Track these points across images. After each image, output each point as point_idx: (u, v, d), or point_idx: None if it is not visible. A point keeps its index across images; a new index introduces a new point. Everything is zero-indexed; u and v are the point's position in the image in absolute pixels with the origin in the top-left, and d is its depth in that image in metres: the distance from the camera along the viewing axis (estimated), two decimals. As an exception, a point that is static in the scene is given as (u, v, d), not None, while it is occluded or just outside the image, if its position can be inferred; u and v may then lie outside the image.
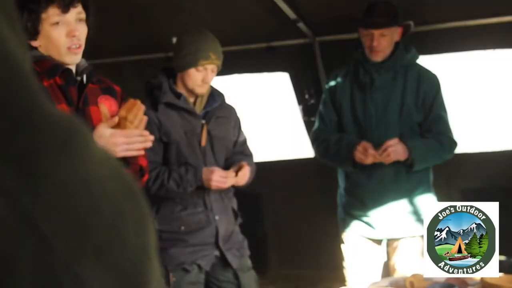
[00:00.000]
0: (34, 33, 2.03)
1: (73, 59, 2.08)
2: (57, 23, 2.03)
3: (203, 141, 2.85)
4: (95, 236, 0.40)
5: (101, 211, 0.41)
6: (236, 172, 2.79)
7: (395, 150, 2.98)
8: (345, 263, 3.29)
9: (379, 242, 3.22)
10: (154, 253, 0.45)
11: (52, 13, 2.01)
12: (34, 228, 0.38)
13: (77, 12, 2.06)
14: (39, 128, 0.40)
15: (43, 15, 2.01)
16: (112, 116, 2.15)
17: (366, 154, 2.99)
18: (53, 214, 0.38)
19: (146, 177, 2.36)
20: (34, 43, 2.05)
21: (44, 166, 0.39)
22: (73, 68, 2.13)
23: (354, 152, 3.02)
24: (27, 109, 0.39)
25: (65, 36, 2.04)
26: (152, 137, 2.13)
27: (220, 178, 2.74)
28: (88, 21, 2.11)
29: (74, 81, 2.12)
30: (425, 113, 3.14)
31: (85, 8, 2.10)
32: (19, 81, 0.40)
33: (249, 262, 2.97)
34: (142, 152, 2.16)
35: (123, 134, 2.04)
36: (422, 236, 3.05)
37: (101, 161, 0.43)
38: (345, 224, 3.26)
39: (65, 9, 2.02)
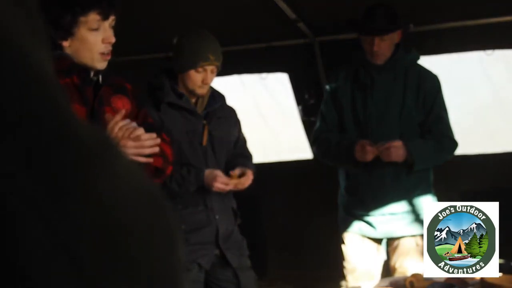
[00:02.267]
0: (67, 34, 2.04)
1: (103, 65, 2.13)
2: (96, 29, 2.05)
3: (205, 141, 2.86)
4: (126, 254, 0.39)
5: (132, 228, 0.40)
6: (239, 176, 2.79)
7: (397, 151, 2.99)
8: (345, 263, 3.29)
9: (379, 241, 3.22)
10: (183, 268, 0.44)
11: (92, 18, 2.04)
12: (65, 246, 0.37)
13: (112, 19, 2.09)
14: (71, 144, 0.39)
15: (82, 19, 2.03)
16: (126, 114, 2.15)
17: (364, 151, 2.99)
18: (84, 231, 0.38)
19: (165, 176, 2.38)
20: (64, 43, 2.06)
21: (75, 183, 0.38)
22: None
23: (355, 152, 3.03)
24: (59, 125, 0.39)
25: (101, 42, 2.07)
26: (158, 141, 2.13)
27: (221, 185, 2.74)
28: None
29: (90, 81, 2.14)
30: (425, 114, 3.14)
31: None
32: (51, 96, 0.40)
33: (248, 262, 2.98)
34: (151, 160, 2.15)
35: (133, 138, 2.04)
36: (422, 236, 3.07)
37: (131, 176, 0.42)
38: (345, 224, 3.26)
39: (105, 16, 2.06)
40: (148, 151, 2.10)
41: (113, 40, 2.09)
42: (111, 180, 0.40)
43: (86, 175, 0.39)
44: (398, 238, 3.17)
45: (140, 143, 2.05)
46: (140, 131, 2.06)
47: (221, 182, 2.74)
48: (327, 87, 3.34)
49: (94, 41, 2.06)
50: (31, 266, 0.36)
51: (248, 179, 2.80)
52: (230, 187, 2.77)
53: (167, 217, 0.44)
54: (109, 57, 2.12)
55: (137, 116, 2.30)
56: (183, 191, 2.76)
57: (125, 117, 2.09)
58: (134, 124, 2.09)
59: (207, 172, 2.77)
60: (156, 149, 2.13)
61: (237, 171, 2.80)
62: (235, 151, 2.99)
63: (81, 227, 0.38)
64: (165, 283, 0.42)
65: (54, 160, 0.38)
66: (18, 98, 0.38)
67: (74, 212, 0.38)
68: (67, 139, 0.39)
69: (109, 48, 2.10)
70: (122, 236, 0.39)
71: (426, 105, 3.13)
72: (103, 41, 2.07)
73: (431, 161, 3.14)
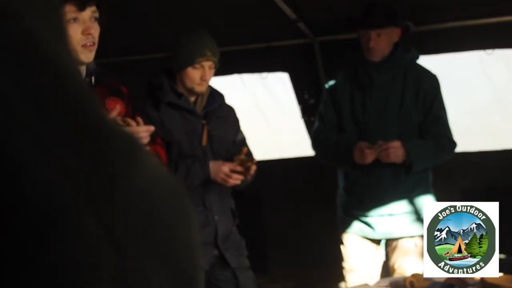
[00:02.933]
0: None
1: (88, 57, 2.08)
2: (73, 20, 2.03)
3: (204, 141, 2.86)
4: (158, 237, 0.45)
5: (161, 216, 0.46)
6: (245, 165, 2.78)
7: (396, 152, 2.99)
8: (344, 263, 3.29)
9: (378, 242, 3.22)
10: (200, 247, 0.51)
11: (68, 10, 2.02)
12: (111, 233, 0.41)
13: (92, 11, 2.06)
14: (109, 140, 0.44)
15: None
16: (119, 117, 2.16)
17: (363, 154, 3.00)
18: (125, 220, 0.43)
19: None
20: None
21: (118, 177, 0.43)
22: (83, 69, 2.13)
23: (353, 155, 3.04)
24: (99, 124, 0.44)
25: (80, 34, 2.04)
26: (152, 128, 2.18)
27: (225, 177, 2.76)
28: (100, 20, 2.12)
29: None
30: (424, 114, 3.14)
31: (98, 7, 2.11)
32: (88, 97, 0.45)
33: (247, 262, 2.98)
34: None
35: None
36: (421, 236, 3.08)
37: (155, 169, 0.48)
38: (344, 224, 3.26)
39: (81, 6, 2.03)
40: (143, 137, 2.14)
41: (92, 30, 2.05)
42: (145, 174, 0.46)
43: (127, 170, 0.44)
44: (397, 239, 3.17)
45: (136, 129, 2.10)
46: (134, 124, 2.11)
47: (226, 174, 2.76)
48: (326, 86, 3.35)
49: (73, 34, 2.02)
50: (81, 252, 0.40)
51: (252, 165, 2.79)
52: (235, 181, 2.78)
53: (188, 209, 0.50)
54: (93, 48, 2.07)
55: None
56: (188, 183, 2.77)
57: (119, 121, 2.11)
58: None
59: (212, 164, 2.79)
60: (146, 136, 2.18)
61: (241, 156, 2.80)
62: (234, 149, 2.98)
63: (123, 215, 0.42)
64: (189, 262, 0.48)
65: (101, 156, 0.43)
66: (60, 97, 0.42)
67: (118, 202, 0.42)
68: (110, 138, 0.44)
69: (92, 39, 2.06)
70: (154, 222, 0.45)
71: (425, 105, 3.14)
72: (83, 32, 2.04)
73: (430, 162, 3.14)
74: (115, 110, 2.20)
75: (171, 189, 0.49)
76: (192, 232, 0.49)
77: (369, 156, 2.99)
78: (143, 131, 2.15)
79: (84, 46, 2.06)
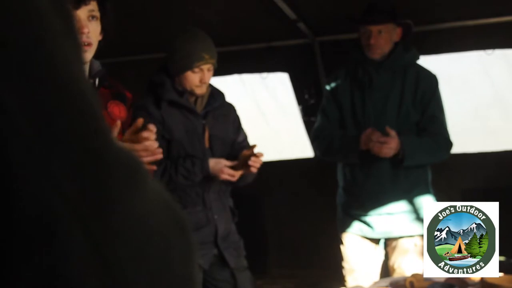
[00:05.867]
0: None
1: (85, 56, 2.05)
2: None
3: (206, 142, 2.87)
4: (149, 265, 0.44)
5: (156, 242, 0.45)
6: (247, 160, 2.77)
7: (390, 147, 2.98)
8: (344, 263, 3.29)
9: (377, 241, 3.22)
10: (197, 281, 0.50)
11: None
12: (99, 253, 0.41)
13: (88, 10, 2.02)
14: (109, 163, 0.44)
15: None
16: (121, 122, 2.14)
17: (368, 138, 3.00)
18: (116, 242, 0.42)
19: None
20: None
21: (112, 199, 0.43)
22: (85, 68, 2.11)
23: (361, 137, 3.02)
24: (101, 146, 0.44)
25: None
26: (161, 156, 2.11)
27: (228, 176, 2.76)
28: (103, 20, 2.07)
29: None
30: (421, 113, 3.14)
31: (101, 7, 2.06)
32: (94, 116, 0.44)
33: (245, 262, 2.98)
34: (154, 167, 2.14)
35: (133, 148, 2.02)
36: (420, 236, 3.08)
37: (156, 195, 0.47)
38: (343, 224, 3.26)
39: (75, 5, 1.98)
40: (150, 159, 2.08)
41: (86, 29, 1.99)
42: (144, 200, 0.45)
43: (122, 192, 0.44)
44: (396, 239, 3.17)
45: (147, 146, 2.04)
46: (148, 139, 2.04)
47: (228, 173, 2.77)
48: (327, 84, 3.34)
49: None
50: (67, 265, 0.40)
51: (258, 158, 2.78)
52: (236, 178, 2.79)
53: (186, 234, 0.49)
54: (87, 48, 2.02)
55: (131, 126, 2.28)
56: (189, 183, 2.77)
57: (120, 126, 2.07)
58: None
59: (213, 162, 2.78)
60: (160, 156, 2.11)
61: (247, 152, 2.79)
62: (235, 149, 2.98)
63: (114, 237, 0.42)
64: None
65: (97, 176, 0.42)
66: (65, 116, 0.42)
67: (110, 223, 0.42)
68: (108, 158, 0.44)
69: (85, 39, 2.00)
70: (146, 248, 0.44)
71: (422, 104, 3.14)
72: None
73: (423, 159, 3.12)
74: (118, 116, 2.17)
75: (171, 218, 0.48)
76: (189, 262, 0.48)
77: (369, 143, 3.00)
78: (153, 147, 2.07)
79: None
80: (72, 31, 0.47)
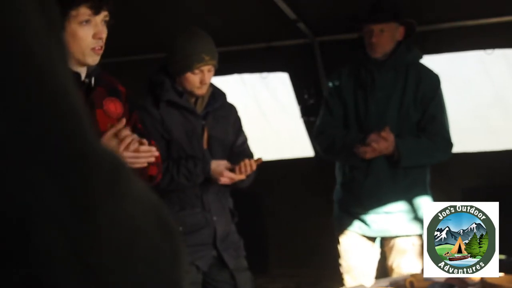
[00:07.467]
0: None
1: (95, 60, 2.08)
2: (86, 22, 2.01)
3: (205, 144, 2.86)
4: (134, 270, 0.43)
5: (141, 246, 0.44)
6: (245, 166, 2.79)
7: (386, 146, 3.00)
8: (341, 261, 3.29)
9: (373, 239, 3.22)
10: (185, 285, 0.48)
11: (83, 12, 1.99)
12: (81, 258, 0.40)
13: (104, 15, 2.06)
14: (91, 166, 0.42)
15: (73, 13, 1.99)
16: (118, 118, 2.15)
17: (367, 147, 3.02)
18: (98, 246, 0.41)
19: (156, 182, 2.40)
20: None
21: (94, 202, 0.42)
22: (83, 70, 2.12)
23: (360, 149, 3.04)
24: (82, 148, 0.42)
25: (91, 37, 2.03)
26: (157, 153, 2.15)
27: (227, 179, 2.77)
28: (108, 22, 2.11)
29: (81, 84, 2.12)
30: (422, 113, 3.14)
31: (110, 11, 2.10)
32: (75, 117, 0.43)
33: (245, 263, 2.98)
34: (145, 164, 2.17)
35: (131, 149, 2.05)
36: (418, 236, 3.08)
37: (141, 198, 0.46)
38: (340, 221, 3.26)
39: (96, 10, 2.01)
40: (143, 161, 2.12)
41: (103, 35, 2.04)
42: (129, 205, 0.44)
43: (105, 195, 0.42)
44: (393, 238, 3.17)
45: (137, 155, 2.07)
46: (136, 143, 2.07)
47: (228, 176, 2.76)
48: (330, 83, 3.33)
49: (84, 36, 2.01)
50: (46, 270, 0.39)
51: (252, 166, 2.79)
52: (228, 179, 2.79)
53: (172, 237, 0.47)
54: (100, 52, 2.07)
55: (129, 120, 2.29)
56: (191, 184, 2.77)
57: (118, 121, 2.09)
58: (135, 136, 2.09)
59: (214, 164, 2.78)
60: (152, 159, 2.15)
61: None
62: (235, 150, 2.98)
63: (96, 241, 0.41)
64: None
65: (78, 180, 0.41)
66: (44, 116, 0.41)
67: (92, 227, 0.41)
68: (90, 162, 0.42)
69: (101, 43, 2.06)
70: (131, 252, 0.43)
71: (423, 104, 3.13)
72: (94, 36, 2.03)
73: (421, 159, 3.12)
74: (115, 112, 2.19)
75: (157, 221, 0.47)
76: (176, 266, 0.47)
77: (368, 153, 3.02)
78: (146, 154, 2.11)
79: (93, 49, 2.04)
80: (56, 30, 0.46)
